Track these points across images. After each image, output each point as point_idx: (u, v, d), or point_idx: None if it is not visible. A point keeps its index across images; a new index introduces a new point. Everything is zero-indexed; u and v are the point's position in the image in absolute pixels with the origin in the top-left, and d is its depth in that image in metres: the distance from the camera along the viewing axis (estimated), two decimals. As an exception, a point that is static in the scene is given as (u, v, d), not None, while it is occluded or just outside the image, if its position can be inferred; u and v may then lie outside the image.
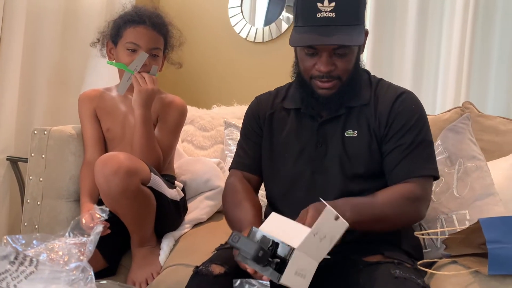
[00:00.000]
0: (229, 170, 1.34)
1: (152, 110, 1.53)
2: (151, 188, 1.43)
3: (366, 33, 1.21)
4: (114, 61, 1.59)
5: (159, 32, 1.56)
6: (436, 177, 1.19)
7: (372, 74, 1.29)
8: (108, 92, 1.67)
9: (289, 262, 0.90)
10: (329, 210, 0.93)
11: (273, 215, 1.03)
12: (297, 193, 1.21)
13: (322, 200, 0.97)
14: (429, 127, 1.21)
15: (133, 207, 1.38)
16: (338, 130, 1.21)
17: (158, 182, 1.45)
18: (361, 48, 1.22)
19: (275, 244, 0.93)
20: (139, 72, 1.50)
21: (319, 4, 1.09)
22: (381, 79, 1.27)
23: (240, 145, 1.34)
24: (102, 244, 1.38)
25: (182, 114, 1.65)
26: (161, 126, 1.60)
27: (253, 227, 0.99)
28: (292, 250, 0.91)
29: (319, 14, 1.09)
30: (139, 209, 1.40)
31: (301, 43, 1.12)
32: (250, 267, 0.96)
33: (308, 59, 1.16)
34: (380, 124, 1.18)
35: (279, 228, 0.97)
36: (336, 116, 1.21)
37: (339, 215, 0.94)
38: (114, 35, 1.58)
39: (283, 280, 0.90)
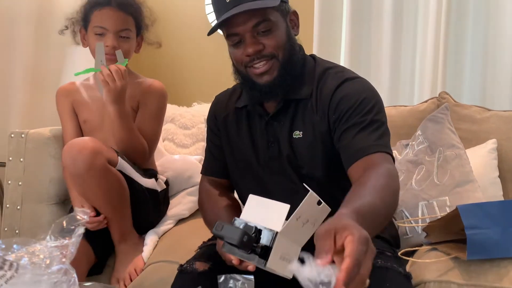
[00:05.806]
0: (201, 174, 1.30)
1: (131, 96, 1.51)
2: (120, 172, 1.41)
3: (295, 14, 1.14)
4: (82, 71, 1.51)
5: (126, 12, 1.51)
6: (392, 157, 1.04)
7: (345, 66, 1.19)
8: (85, 82, 1.64)
9: (274, 246, 0.89)
10: (312, 195, 0.92)
11: (251, 197, 0.99)
12: (263, 194, 1.09)
13: (306, 186, 0.91)
14: (381, 109, 1.08)
15: (102, 186, 1.36)
16: (286, 130, 1.12)
17: (126, 167, 1.44)
18: (289, 26, 1.11)
19: (258, 231, 0.92)
20: (106, 66, 1.40)
21: None
22: (328, 68, 1.14)
23: (207, 149, 1.29)
24: (94, 238, 1.40)
25: (163, 97, 1.62)
26: (143, 112, 1.58)
27: (235, 217, 0.97)
28: (275, 234, 0.91)
29: (227, 0, 1.06)
30: (110, 190, 1.38)
31: (213, 28, 1.08)
32: (235, 257, 0.94)
33: (236, 51, 1.10)
34: (321, 120, 1.08)
35: (259, 213, 0.96)
36: (281, 111, 1.12)
37: (322, 200, 0.92)
38: (84, 21, 1.54)
39: (270, 265, 0.89)
